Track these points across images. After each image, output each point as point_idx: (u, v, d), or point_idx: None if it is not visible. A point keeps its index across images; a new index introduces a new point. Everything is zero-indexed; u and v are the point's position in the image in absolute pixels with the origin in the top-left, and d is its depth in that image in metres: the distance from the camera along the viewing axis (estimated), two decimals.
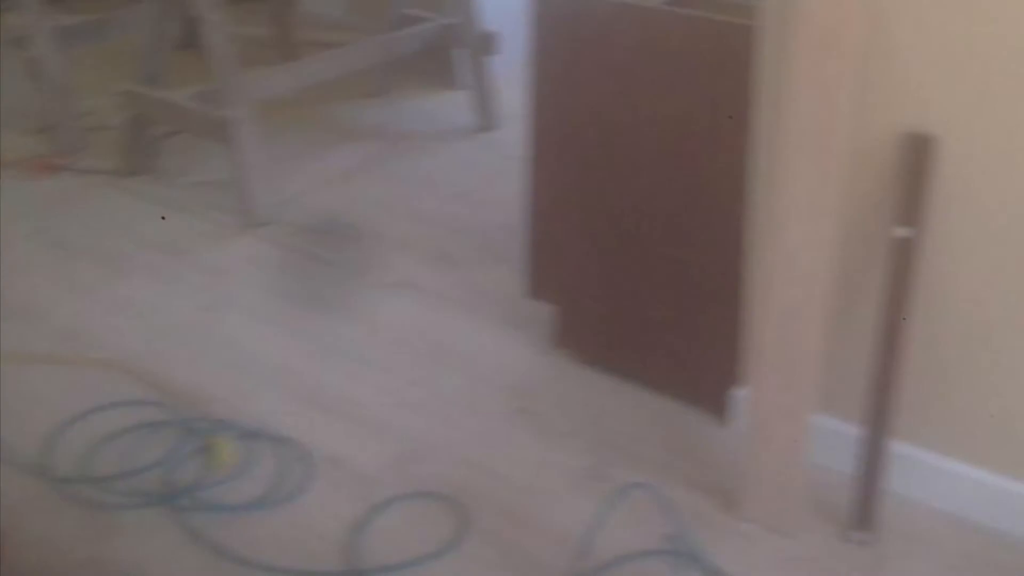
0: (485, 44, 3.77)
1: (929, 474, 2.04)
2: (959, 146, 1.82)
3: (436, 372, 2.50)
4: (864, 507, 1.98)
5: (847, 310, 1.99)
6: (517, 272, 2.60)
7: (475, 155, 3.66)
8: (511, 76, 3.14)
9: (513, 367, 2.52)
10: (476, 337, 2.62)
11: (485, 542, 1.99)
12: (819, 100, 1.81)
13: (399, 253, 3.00)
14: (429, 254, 3.00)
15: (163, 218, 3.20)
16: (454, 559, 1.95)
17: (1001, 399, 1.95)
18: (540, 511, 2.07)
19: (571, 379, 2.46)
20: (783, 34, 1.87)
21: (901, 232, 1.85)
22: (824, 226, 1.86)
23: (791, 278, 1.90)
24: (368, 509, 2.06)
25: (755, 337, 1.99)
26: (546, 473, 2.17)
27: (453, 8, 3.78)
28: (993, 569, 1.94)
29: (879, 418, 1.93)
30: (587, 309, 2.46)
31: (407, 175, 3.50)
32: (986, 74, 1.77)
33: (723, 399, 2.28)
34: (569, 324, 2.51)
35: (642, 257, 2.32)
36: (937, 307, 1.92)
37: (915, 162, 1.84)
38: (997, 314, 1.90)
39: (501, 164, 3.43)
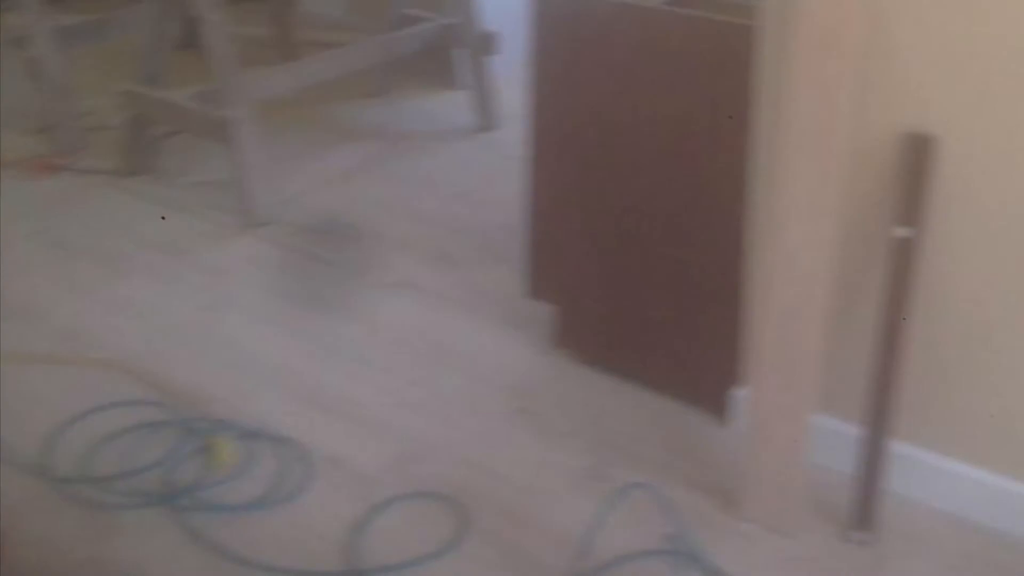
0: (485, 44, 3.77)
1: (929, 474, 2.04)
2: (959, 146, 1.82)
3: (436, 372, 2.50)
4: (864, 507, 1.98)
5: (847, 310, 1.99)
6: (517, 272, 2.60)
7: (475, 155, 3.65)
8: (511, 76, 3.13)
9: (513, 367, 2.52)
10: (476, 337, 2.62)
11: (485, 542, 1.99)
12: (819, 100, 1.81)
13: (399, 253, 3.00)
14: (429, 254, 3.00)
15: (163, 218, 3.20)
16: (454, 559, 1.95)
17: (1001, 399, 1.95)
18: (540, 511, 2.07)
19: (571, 379, 2.46)
20: (783, 34, 1.87)
21: (901, 232, 1.85)
22: (824, 226, 1.86)
23: (791, 278, 1.90)
24: (368, 509, 2.06)
25: (755, 337, 1.99)
26: (546, 473, 2.17)
27: (453, 8, 3.77)
28: (993, 569, 1.94)
29: (879, 418, 1.93)
30: (587, 309, 2.46)
31: (407, 175, 3.50)
32: (986, 74, 1.77)
33: (723, 399, 2.27)
34: (569, 324, 2.51)
35: (642, 257, 2.32)
36: (937, 307, 1.92)
37: (915, 162, 1.84)
38: (997, 314, 1.90)
39: (501, 164, 3.42)
